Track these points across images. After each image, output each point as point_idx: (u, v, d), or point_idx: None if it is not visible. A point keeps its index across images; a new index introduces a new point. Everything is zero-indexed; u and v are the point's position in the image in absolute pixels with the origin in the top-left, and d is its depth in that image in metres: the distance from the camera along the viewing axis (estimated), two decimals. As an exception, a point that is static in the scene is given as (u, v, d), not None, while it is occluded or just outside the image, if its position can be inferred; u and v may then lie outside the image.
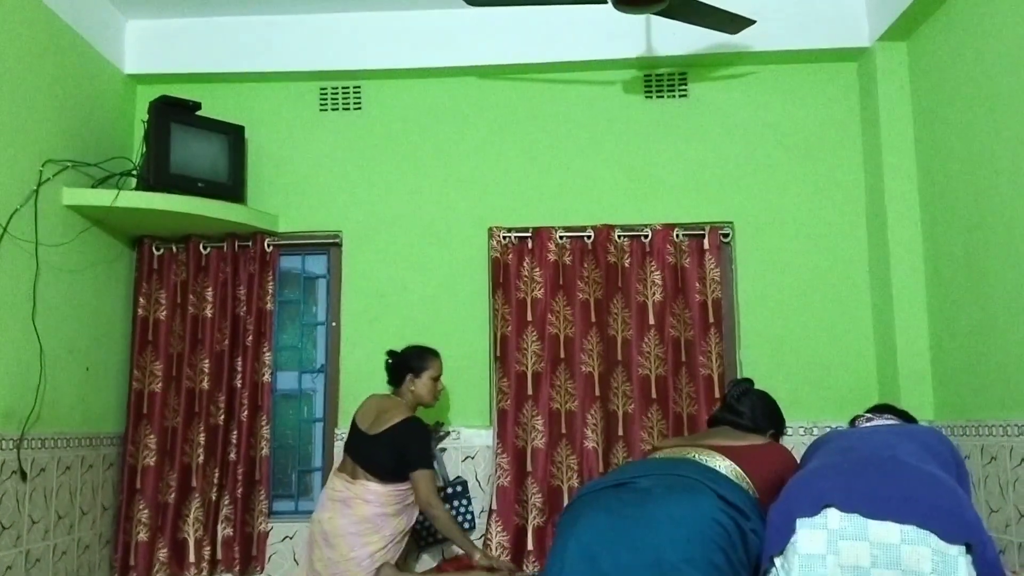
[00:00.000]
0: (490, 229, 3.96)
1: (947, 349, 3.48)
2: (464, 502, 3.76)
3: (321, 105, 4.14)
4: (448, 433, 3.88)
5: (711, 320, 3.82)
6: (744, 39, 3.75)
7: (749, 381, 3.08)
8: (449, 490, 3.76)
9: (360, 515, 3.31)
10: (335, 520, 3.32)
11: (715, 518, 2.15)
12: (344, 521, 3.31)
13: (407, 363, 3.54)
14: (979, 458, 3.18)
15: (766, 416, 2.81)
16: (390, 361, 3.59)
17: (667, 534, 2.10)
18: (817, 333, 3.86)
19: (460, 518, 3.72)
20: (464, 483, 3.80)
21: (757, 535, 2.22)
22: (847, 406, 3.78)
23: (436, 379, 3.55)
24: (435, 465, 3.61)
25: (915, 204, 3.69)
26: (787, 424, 3.44)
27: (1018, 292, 2.96)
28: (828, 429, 3.77)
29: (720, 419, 2.91)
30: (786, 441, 3.71)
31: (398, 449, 3.35)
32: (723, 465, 2.35)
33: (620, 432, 3.79)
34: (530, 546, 3.71)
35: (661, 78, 4.06)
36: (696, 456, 2.39)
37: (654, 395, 3.79)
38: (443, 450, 3.86)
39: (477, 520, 3.77)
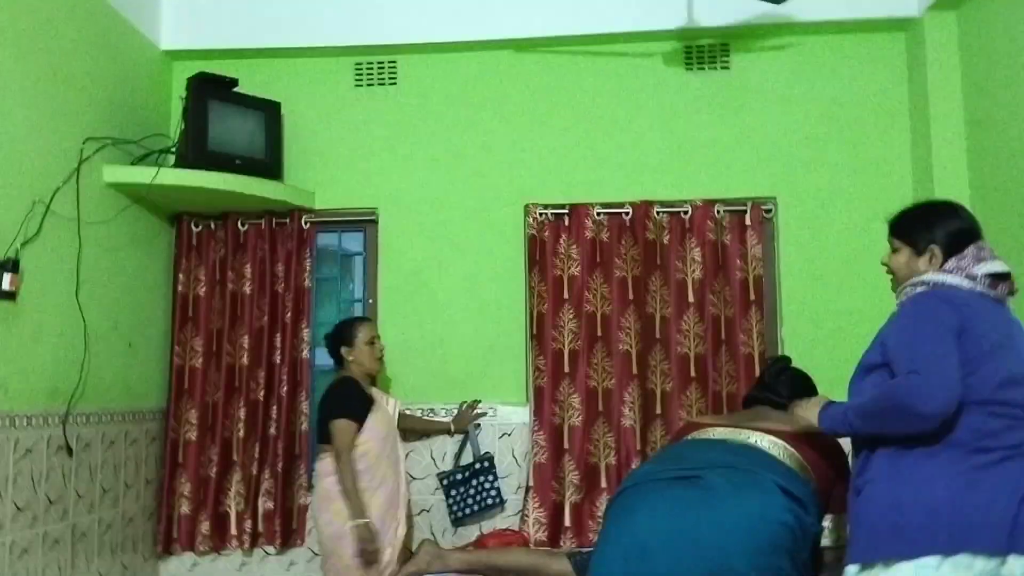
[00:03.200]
0: (527, 206, 3.92)
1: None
2: (489, 478, 3.78)
3: (356, 80, 4.12)
4: (483, 412, 3.87)
5: (752, 298, 3.77)
6: (788, 9, 3.65)
7: (787, 359, 3.04)
8: (477, 465, 3.78)
9: (322, 490, 3.45)
10: (312, 503, 3.62)
11: (782, 520, 2.12)
12: (314, 501, 3.54)
13: (339, 337, 3.62)
14: None
15: (803, 393, 2.76)
16: (326, 345, 3.68)
17: (735, 540, 2.07)
18: (861, 311, 3.77)
19: (484, 494, 3.76)
20: (491, 458, 3.81)
21: (814, 528, 2.20)
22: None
23: (371, 343, 3.61)
24: (466, 436, 3.80)
25: (964, 180, 3.59)
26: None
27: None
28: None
29: (757, 398, 2.87)
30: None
31: (323, 411, 3.49)
32: (783, 451, 2.31)
33: (658, 411, 3.76)
34: (567, 523, 3.72)
35: (702, 50, 3.98)
36: (756, 441, 2.35)
37: (693, 373, 3.76)
38: (478, 427, 3.87)
39: (504, 497, 3.78)
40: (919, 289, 2.13)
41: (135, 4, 3.82)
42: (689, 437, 2.66)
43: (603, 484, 3.71)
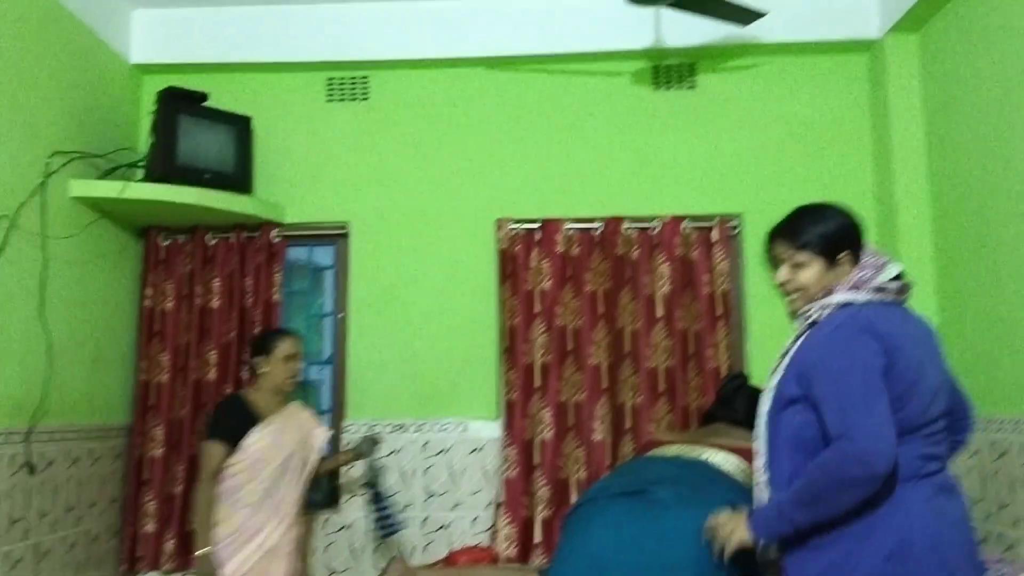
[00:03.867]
0: (498, 221, 3.94)
1: (957, 344, 3.47)
2: (379, 508, 3.58)
3: (328, 95, 4.12)
4: (379, 443, 3.63)
5: (719, 312, 3.82)
6: (754, 31, 3.72)
7: (742, 375, 3.07)
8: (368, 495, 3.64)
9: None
10: None
11: None
12: None
13: (257, 346, 3.46)
14: (989, 453, 3.18)
15: (750, 405, 2.78)
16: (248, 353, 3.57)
17: (680, 551, 2.08)
18: (825, 326, 3.85)
19: (381, 523, 3.58)
20: (375, 490, 3.60)
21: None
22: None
23: (289, 359, 3.41)
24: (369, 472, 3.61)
25: (925, 198, 3.68)
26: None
27: (1030, 287, 2.95)
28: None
29: (715, 415, 2.90)
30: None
31: None
32: (737, 468, 2.33)
33: (628, 424, 3.79)
34: (538, 538, 3.72)
35: (670, 69, 4.04)
36: (709, 457, 2.37)
37: (662, 388, 3.79)
38: (378, 465, 3.67)
39: (399, 524, 3.61)
40: (829, 312, 1.98)
41: (105, 18, 3.80)
42: (647, 454, 2.68)
43: (573, 499, 3.72)
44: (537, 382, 3.82)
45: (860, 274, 1.99)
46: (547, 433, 3.78)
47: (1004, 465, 3.09)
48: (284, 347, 3.40)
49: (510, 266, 3.89)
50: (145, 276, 3.98)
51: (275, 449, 3.30)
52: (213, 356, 3.91)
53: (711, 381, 3.76)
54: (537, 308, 3.86)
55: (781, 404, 1.94)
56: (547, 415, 3.79)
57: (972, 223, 3.33)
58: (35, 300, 3.24)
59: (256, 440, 3.28)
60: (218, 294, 3.95)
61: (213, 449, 3.25)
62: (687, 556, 2.07)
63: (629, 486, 2.32)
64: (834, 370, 1.87)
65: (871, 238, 3.84)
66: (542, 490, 3.74)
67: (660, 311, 3.84)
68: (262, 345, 3.44)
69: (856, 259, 1.99)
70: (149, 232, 4.01)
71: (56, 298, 3.36)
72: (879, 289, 1.98)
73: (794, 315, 2.07)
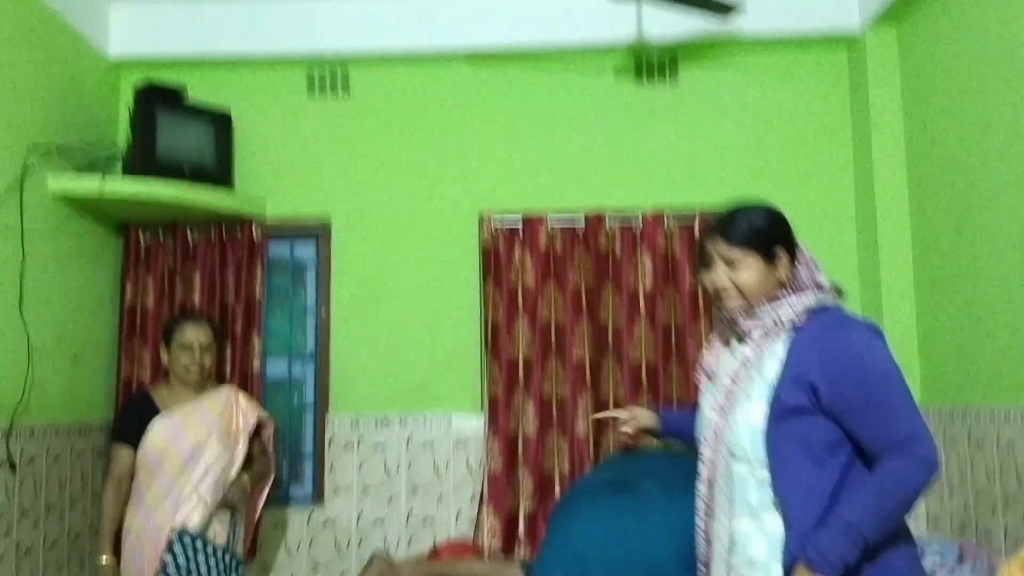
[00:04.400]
0: (481, 216, 3.94)
1: (935, 335, 3.51)
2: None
3: (309, 90, 4.10)
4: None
5: (700, 307, 3.84)
6: (735, 25, 3.74)
7: None
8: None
9: None
10: None
11: None
12: None
13: (162, 332, 3.29)
14: (967, 444, 3.22)
15: None
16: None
17: (666, 547, 2.09)
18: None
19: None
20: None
21: None
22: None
23: (186, 348, 3.17)
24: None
25: (904, 190, 3.71)
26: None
27: (1006, 279, 2.99)
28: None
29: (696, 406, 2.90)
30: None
31: None
32: None
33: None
34: (521, 531, 3.73)
35: (652, 64, 4.05)
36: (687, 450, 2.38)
37: (644, 382, 3.81)
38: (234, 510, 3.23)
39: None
40: (805, 314, 1.89)
41: (82, 13, 3.76)
42: (634, 449, 2.69)
43: (557, 493, 3.74)
44: (521, 377, 3.83)
45: (813, 274, 1.94)
46: (530, 427, 3.79)
47: (981, 455, 3.13)
48: (182, 335, 3.18)
49: (493, 261, 3.89)
50: (125, 272, 3.96)
51: (175, 444, 3.06)
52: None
53: (692, 375, 3.79)
54: (520, 303, 3.87)
55: (781, 414, 1.83)
56: (530, 409, 3.80)
57: (950, 215, 3.37)
58: (14, 297, 3.21)
59: (152, 436, 3.07)
60: (199, 290, 3.93)
61: (115, 452, 3.13)
62: (672, 551, 2.08)
63: (614, 480, 2.33)
64: (876, 376, 1.80)
65: (850, 230, 3.90)
66: (526, 483, 3.76)
67: (643, 306, 3.86)
68: (164, 333, 3.26)
69: (792, 257, 1.93)
70: (129, 228, 3.98)
71: (35, 295, 3.33)
72: (821, 286, 1.94)
73: (731, 318, 1.94)
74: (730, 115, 4.00)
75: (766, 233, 1.91)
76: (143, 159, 3.62)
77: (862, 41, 3.83)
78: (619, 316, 3.86)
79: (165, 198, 3.64)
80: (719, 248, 1.91)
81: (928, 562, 3.02)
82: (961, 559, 2.96)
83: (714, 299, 1.96)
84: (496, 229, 3.91)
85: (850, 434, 1.82)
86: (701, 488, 1.96)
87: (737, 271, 1.90)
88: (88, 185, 3.52)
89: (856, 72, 3.91)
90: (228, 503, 3.16)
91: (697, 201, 3.94)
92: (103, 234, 3.90)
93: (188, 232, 3.96)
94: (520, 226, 3.92)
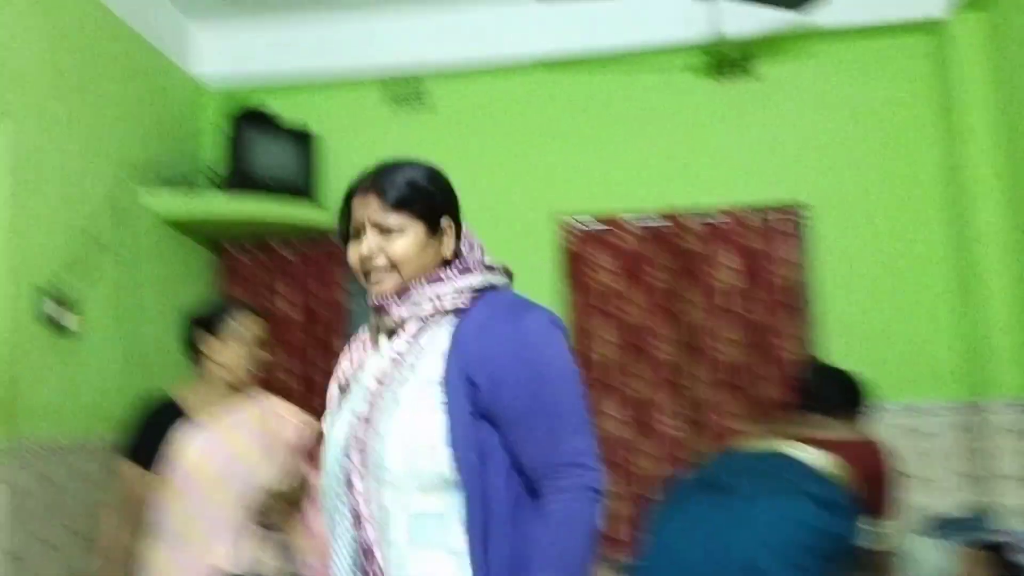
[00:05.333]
0: (560, 220, 3.97)
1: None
2: None
3: (387, 104, 4.20)
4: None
5: (789, 303, 3.78)
6: (812, 16, 3.68)
7: (818, 361, 3.03)
8: None
9: None
10: None
11: (807, 522, 2.11)
12: None
13: (203, 322, 2.60)
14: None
15: (839, 393, 2.74)
16: (186, 333, 2.64)
17: (756, 539, 2.07)
18: (899, 312, 3.79)
19: None
20: None
21: (847, 532, 2.19)
22: (933, 386, 3.73)
23: (243, 342, 2.59)
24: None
25: (998, 181, 3.58)
26: (871, 407, 3.40)
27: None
28: (913, 410, 3.71)
29: (796, 405, 2.88)
30: (872, 423, 3.67)
31: None
32: (816, 460, 2.31)
33: (700, 418, 3.78)
34: (622, 535, 3.73)
35: (729, 60, 4.01)
36: (787, 450, 2.36)
37: (732, 381, 3.77)
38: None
39: None
40: (472, 297, 1.55)
41: (169, 36, 3.95)
42: (730, 448, 2.69)
43: (649, 495, 3.72)
44: (606, 379, 3.83)
45: (479, 254, 1.64)
46: (617, 429, 3.80)
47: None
48: (244, 325, 2.60)
49: (573, 265, 3.91)
50: (222, 289, 4.12)
51: (212, 459, 2.47)
52: (295, 366, 4.03)
53: (783, 373, 3.73)
54: (603, 305, 3.88)
55: (455, 423, 1.44)
56: (617, 412, 3.81)
57: (1048, 202, 3.25)
58: (126, 318, 3.38)
59: (187, 450, 2.47)
60: (291, 303, 4.07)
61: (124, 471, 2.51)
62: (772, 549, 2.07)
63: (711, 480, 2.33)
64: (551, 377, 1.45)
65: (941, 223, 3.79)
66: (616, 487, 3.76)
67: (727, 304, 3.82)
68: (210, 322, 2.60)
69: (459, 231, 1.61)
70: (222, 246, 4.15)
71: (143, 314, 3.51)
72: (506, 272, 1.66)
73: (379, 303, 1.58)
74: (811, 109, 3.93)
75: (433, 198, 1.58)
76: (238, 178, 3.78)
77: (949, 27, 3.72)
78: (704, 315, 3.83)
79: (256, 215, 3.78)
80: (372, 212, 1.55)
81: (1027, 558, 2.92)
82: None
83: (361, 278, 1.60)
84: (576, 231, 3.94)
85: (508, 446, 1.45)
86: (346, 530, 1.49)
87: (392, 241, 1.54)
88: (192, 205, 3.69)
89: (942, 59, 3.80)
90: (267, 524, 2.48)
91: (780, 197, 3.89)
92: (202, 253, 4.08)
93: (280, 248, 4.11)
94: (600, 228, 3.93)
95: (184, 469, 2.45)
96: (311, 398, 3.99)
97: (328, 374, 3.90)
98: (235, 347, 2.57)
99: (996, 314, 3.53)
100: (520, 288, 4.18)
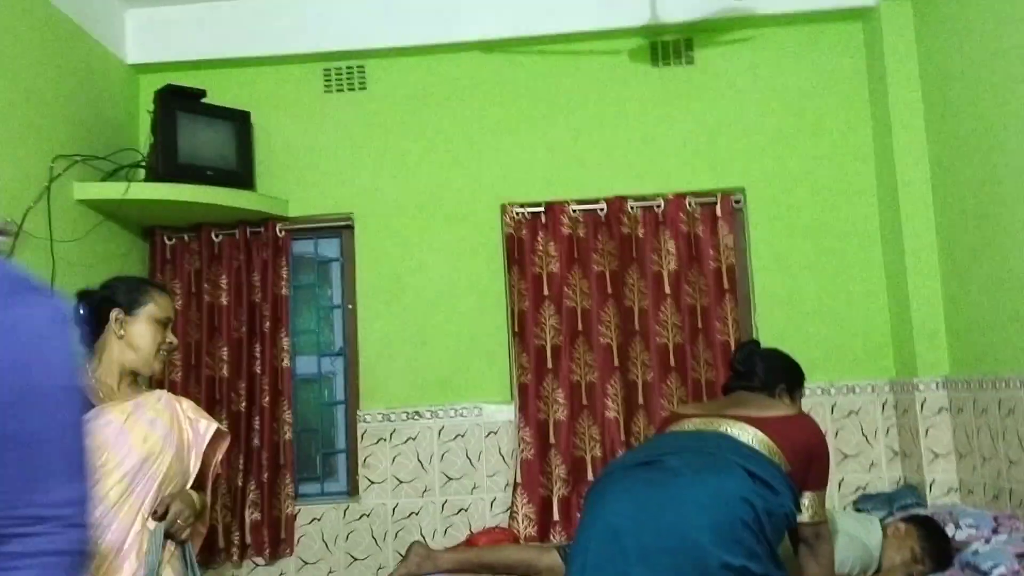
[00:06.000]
0: (503, 205, 3.96)
1: (961, 304, 3.51)
2: None
3: (326, 86, 4.11)
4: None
5: (726, 286, 3.85)
6: (748, 2, 3.73)
7: (754, 342, 3.10)
8: None
9: None
10: None
11: (744, 497, 2.14)
12: None
13: (111, 298, 2.32)
14: (997, 411, 3.23)
15: (775, 373, 2.79)
16: (83, 310, 2.33)
17: (694, 516, 2.10)
18: (831, 294, 3.89)
19: None
20: None
21: (784, 507, 2.22)
22: (864, 365, 3.84)
23: (160, 324, 2.33)
24: None
25: (925, 161, 3.70)
26: (805, 386, 3.47)
27: (1034, 248, 2.99)
28: (845, 388, 3.83)
29: (732, 386, 2.93)
30: (803, 403, 3.77)
31: None
32: (754, 438, 2.35)
33: (640, 401, 3.83)
34: (556, 516, 3.77)
35: (667, 46, 4.04)
36: (726, 428, 2.40)
37: (672, 363, 3.83)
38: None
39: None
40: None
41: (99, 20, 3.78)
42: (668, 429, 2.71)
43: (590, 476, 3.76)
44: (549, 364, 3.85)
45: None
46: (561, 413, 3.82)
47: (1012, 423, 3.14)
48: (159, 305, 2.34)
49: (517, 250, 3.91)
50: (152, 276, 3.99)
51: (118, 450, 2.14)
52: (224, 353, 3.93)
53: (720, 355, 3.80)
54: (546, 291, 3.89)
55: None
56: (560, 396, 3.83)
57: (973, 185, 3.36)
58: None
59: (92, 431, 2.10)
60: (226, 291, 3.97)
61: None
62: (704, 523, 2.10)
63: (645, 458, 2.36)
64: (39, 393, 1.08)
65: (872, 205, 3.89)
66: (559, 469, 3.78)
67: (667, 288, 3.87)
68: (122, 297, 2.32)
69: None
70: (154, 232, 4.02)
71: (66, 302, 3.36)
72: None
73: None
74: (748, 94, 3.99)
75: None
76: (165, 162, 3.65)
77: (877, 13, 3.82)
78: (644, 299, 3.88)
79: (188, 201, 3.67)
80: None
81: (963, 533, 3.03)
82: (996, 529, 2.97)
83: None
84: (519, 216, 3.93)
85: None
86: None
87: None
88: (113, 190, 3.56)
89: (873, 46, 3.90)
90: (171, 533, 2.21)
91: (718, 182, 3.94)
92: (129, 238, 3.94)
93: (212, 233, 4.00)
94: (542, 213, 3.93)
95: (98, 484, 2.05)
96: (244, 387, 3.92)
97: (269, 364, 3.87)
98: (149, 328, 2.31)
99: (925, 294, 3.65)
100: (464, 274, 4.24)
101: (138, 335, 2.30)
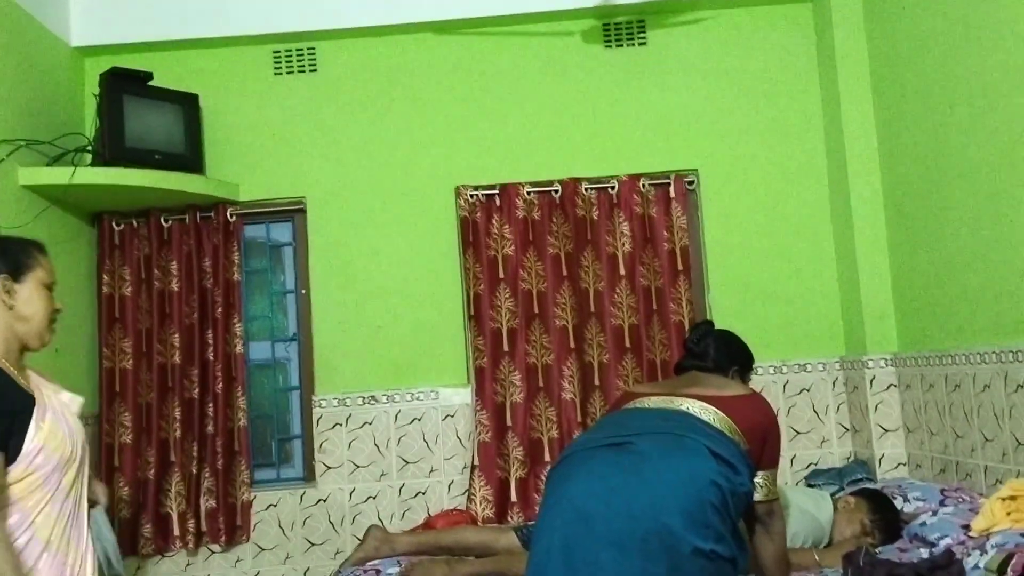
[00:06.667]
0: (457, 188, 3.94)
1: (909, 283, 3.58)
2: None
3: (276, 69, 4.06)
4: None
5: (680, 267, 3.88)
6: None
7: (708, 323, 3.12)
8: None
9: None
10: None
11: (712, 480, 2.15)
12: None
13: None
14: (944, 386, 3.30)
15: (729, 354, 2.82)
16: None
17: (665, 501, 2.11)
18: (783, 274, 3.94)
19: None
20: None
21: (745, 488, 2.25)
22: (815, 344, 3.90)
23: (49, 288, 2.14)
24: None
25: (873, 142, 3.75)
26: (758, 365, 3.51)
27: (976, 224, 3.05)
28: (797, 367, 3.88)
29: (686, 365, 2.95)
30: (756, 380, 3.82)
31: None
32: (715, 417, 2.37)
33: (596, 382, 3.85)
34: (513, 498, 3.78)
35: (620, 27, 4.04)
36: (687, 407, 2.41)
37: (628, 344, 3.85)
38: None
39: None
40: None
41: (43, 2, 3.69)
42: (625, 407, 2.72)
43: (547, 458, 3.78)
44: (505, 346, 3.85)
45: None
46: (518, 396, 3.83)
47: (958, 397, 3.20)
48: (44, 269, 2.14)
49: (471, 233, 3.90)
50: (101, 262, 3.92)
51: (60, 445, 2.04)
52: (176, 339, 3.87)
53: (675, 335, 3.83)
54: (501, 273, 3.88)
55: None
56: (517, 378, 3.84)
57: (920, 163, 3.41)
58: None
59: (42, 435, 2.00)
60: (176, 276, 3.91)
61: None
62: (675, 508, 2.10)
63: (611, 439, 2.36)
64: None
65: (823, 185, 3.94)
66: (516, 451, 3.79)
67: (622, 269, 3.89)
68: (7, 261, 2.08)
69: None
70: (102, 217, 3.95)
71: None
72: None
73: None
74: (700, 76, 4.01)
75: None
76: (112, 147, 3.59)
77: (826, -5, 3.86)
78: (600, 281, 3.89)
79: (136, 185, 3.60)
80: None
81: (912, 506, 3.10)
82: (943, 501, 3.03)
83: None
84: (472, 199, 3.92)
85: None
86: None
87: None
88: (59, 176, 3.48)
89: (821, 27, 3.93)
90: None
91: (672, 163, 3.96)
92: (76, 224, 3.86)
93: (161, 218, 3.93)
94: (497, 195, 3.93)
95: (55, 457, 2.01)
96: (197, 374, 3.87)
97: (222, 350, 3.83)
98: (39, 294, 2.09)
99: (874, 274, 3.71)
100: (418, 257, 4.23)
101: (28, 303, 2.07)
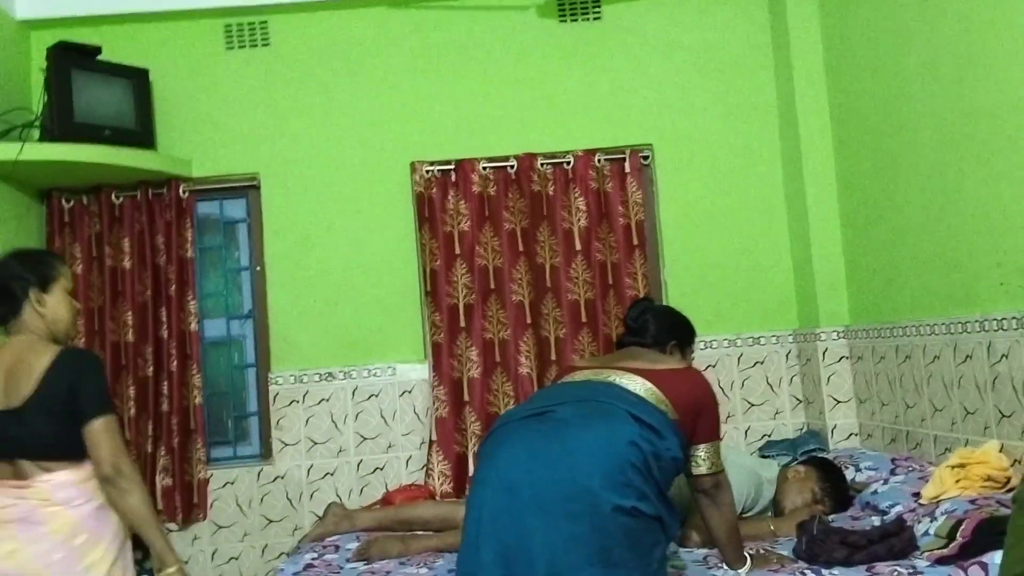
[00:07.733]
0: (412, 163, 3.92)
1: (860, 256, 3.62)
2: None
3: (227, 43, 4.00)
4: None
5: (635, 242, 3.89)
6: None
7: (647, 299, 3.14)
8: None
9: (64, 527, 2.24)
10: (23, 552, 2.20)
11: (631, 440, 2.19)
12: (40, 548, 2.21)
13: (25, 274, 2.38)
14: (895, 358, 3.35)
15: (666, 330, 2.84)
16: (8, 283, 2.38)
17: (585, 463, 2.14)
18: (737, 248, 3.97)
19: None
20: None
21: (672, 453, 2.28)
22: (769, 317, 3.94)
23: (72, 294, 2.50)
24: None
25: (826, 118, 3.78)
26: (712, 338, 3.54)
27: (925, 200, 3.09)
28: (751, 340, 3.92)
29: (625, 341, 2.97)
30: (711, 354, 3.86)
31: (75, 397, 2.26)
32: (641, 387, 2.39)
33: (553, 357, 3.86)
34: (471, 472, 3.79)
35: (575, 2, 4.03)
36: (615, 379, 2.44)
37: (584, 319, 3.87)
38: None
39: None
40: None
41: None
42: (559, 380, 2.75)
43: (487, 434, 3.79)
44: (462, 322, 3.85)
45: None
46: (475, 371, 3.83)
47: (909, 368, 3.26)
48: (67, 277, 2.50)
49: (427, 208, 3.88)
50: (51, 239, 3.86)
51: None
52: (129, 317, 3.83)
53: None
54: (457, 249, 3.88)
55: None
56: (474, 353, 3.84)
57: (872, 139, 3.45)
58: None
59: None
60: (128, 254, 3.86)
61: (115, 422, 2.31)
62: (594, 469, 2.14)
63: (534, 409, 2.39)
64: None
65: (776, 161, 3.97)
66: (473, 426, 3.81)
67: (578, 245, 3.90)
68: (40, 271, 2.41)
69: None
70: (51, 194, 3.88)
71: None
72: None
73: None
74: (655, 51, 4.02)
75: None
76: (61, 122, 3.53)
77: (780, -30, 3.87)
78: (556, 256, 3.90)
79: (86, 161, 3.55)
80: None
81: (863, 475, 3.15)
82: (894, 470, 3.09)
83: None
84: (428, 175, 3.90)
85: None
86: None
87: None
88: (6, 151, 3.41)
89: (776, 5, 3.95)
90: None
91: (626, 138, 3.97)
92: (25, 201, 3.79)
93: (113, 195, 3.88)
94: (452, 171, 3.91)
95: None
96: (151, 352, 3.84)
97: (176, 327, 3.78)
98: (65, 299, 2.45)
99: (827, 247, 3.75)
100: (374, 233, 4.20)
101: (57, 309, 2.42)
